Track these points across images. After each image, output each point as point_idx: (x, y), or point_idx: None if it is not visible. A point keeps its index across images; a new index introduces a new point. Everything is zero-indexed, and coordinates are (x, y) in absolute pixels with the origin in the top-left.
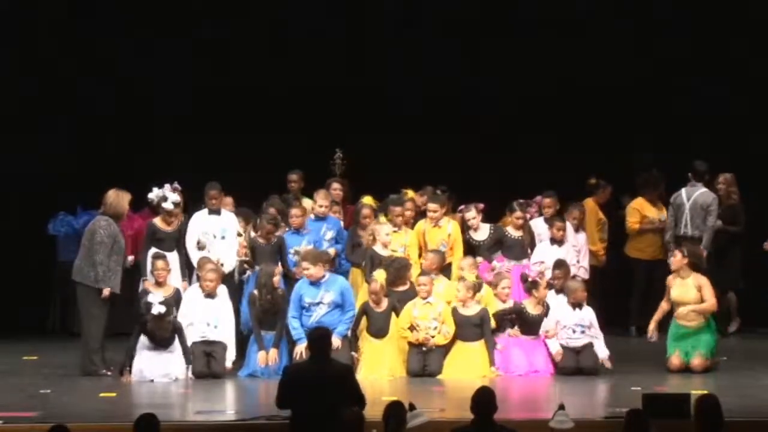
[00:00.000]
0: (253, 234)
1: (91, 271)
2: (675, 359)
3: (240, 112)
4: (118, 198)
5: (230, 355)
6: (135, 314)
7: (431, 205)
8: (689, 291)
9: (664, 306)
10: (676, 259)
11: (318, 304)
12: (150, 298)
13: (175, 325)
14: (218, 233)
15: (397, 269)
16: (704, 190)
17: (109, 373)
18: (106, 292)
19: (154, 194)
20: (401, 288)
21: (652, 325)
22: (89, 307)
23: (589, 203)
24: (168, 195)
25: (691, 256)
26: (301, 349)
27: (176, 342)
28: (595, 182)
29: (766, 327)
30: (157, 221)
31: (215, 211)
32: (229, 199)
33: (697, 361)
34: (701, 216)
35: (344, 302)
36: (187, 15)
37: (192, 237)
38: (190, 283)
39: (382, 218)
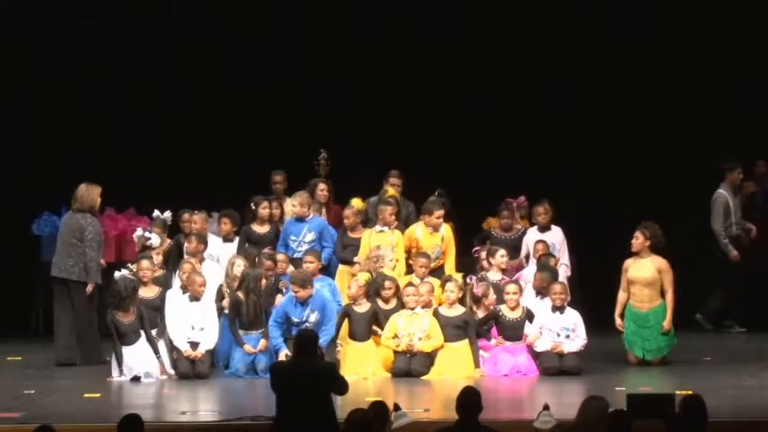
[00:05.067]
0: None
1: (75, 266)
2: (632, 357)
3: None
4: (89, 191)
5: (210, 344)
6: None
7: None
8: (646, 270)
9: (621, 297)
10: (638, 241)
11: (304, 323)
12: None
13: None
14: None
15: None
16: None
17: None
18: (90, 287)
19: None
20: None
21: (618, 320)
22: (83, 301)
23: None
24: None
25: (652, 238)
26: (282, 355)
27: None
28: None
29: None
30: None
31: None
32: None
33: (656, 360)
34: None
35: (325, 317)
36: None
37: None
38: None
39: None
